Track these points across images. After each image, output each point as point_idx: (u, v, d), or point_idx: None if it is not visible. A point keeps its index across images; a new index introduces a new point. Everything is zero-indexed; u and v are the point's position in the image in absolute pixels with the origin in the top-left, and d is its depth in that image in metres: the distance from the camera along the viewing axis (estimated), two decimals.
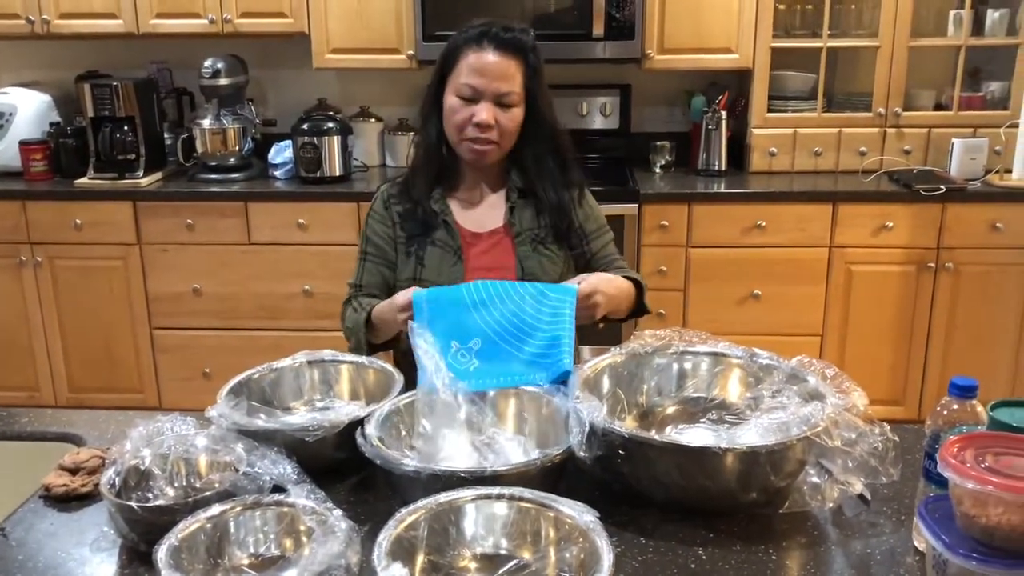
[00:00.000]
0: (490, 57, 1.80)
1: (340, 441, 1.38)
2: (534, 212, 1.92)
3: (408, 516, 1.16)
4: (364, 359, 1.66)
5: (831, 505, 1.32)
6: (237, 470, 1.28)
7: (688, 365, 1.58)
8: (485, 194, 1.96)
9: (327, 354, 1.67)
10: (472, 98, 1.80)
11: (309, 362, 1.65)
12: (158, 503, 1.26)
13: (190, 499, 1.23)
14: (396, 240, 1.94)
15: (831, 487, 1.32)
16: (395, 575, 1.04)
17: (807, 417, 1.30)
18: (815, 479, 1.33)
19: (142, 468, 1.31)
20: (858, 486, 1.31)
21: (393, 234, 1.94)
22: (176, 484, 1.32)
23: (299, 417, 1.55)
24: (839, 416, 1.30)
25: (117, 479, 1.28)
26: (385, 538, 1.11)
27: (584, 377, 1.48)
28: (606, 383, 1.54)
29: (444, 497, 1.20)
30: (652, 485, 1.33)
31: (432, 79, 1.89)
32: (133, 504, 1.22)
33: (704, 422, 1.49)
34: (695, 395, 1.56)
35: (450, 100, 1.84)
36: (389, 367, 1.62)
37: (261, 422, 1.42)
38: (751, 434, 1.34)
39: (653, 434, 1.43)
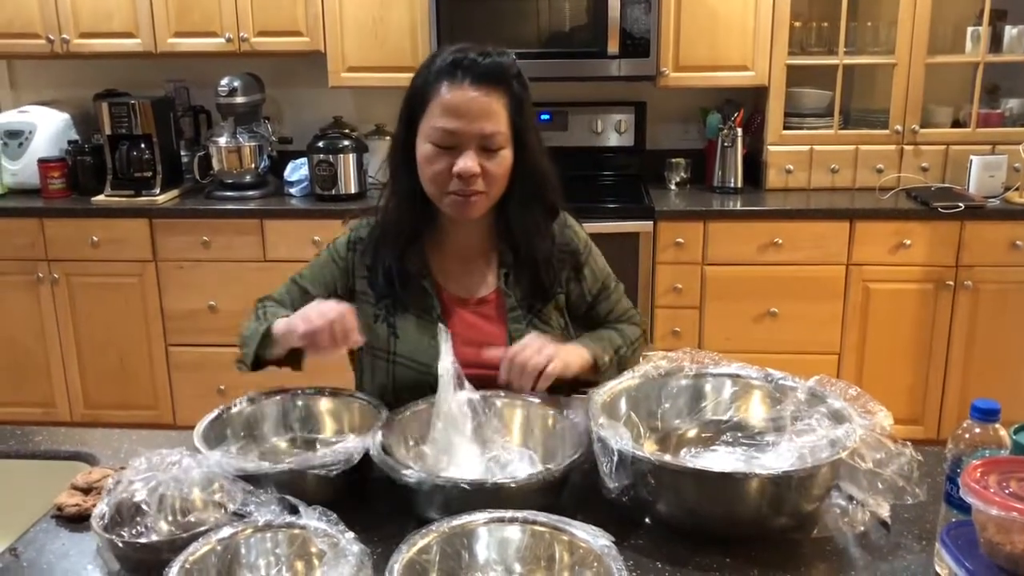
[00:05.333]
0: (468, 92, 1.50)
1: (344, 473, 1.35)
2: (531, 278, 1.65)
3: (420, 539, 1.15)
4: (346, 391, 1.60)
5: (861, 529, 1.29)
6: (226, 509, 1.26)
7: (705, 387, 1.55)
8: (472, 253, 1.68)
9: (308, 387, 1.60)
10: (450, 145, 1.52)
11: (291, 394, 1.59)
12: (140, 540, 1.22)
13: (176, 538, 1.20)
14: (345, 290, 1.68)
15: (860, 510, 1.29)
16: None
17: (839, 439, 1.27)
18: (839, 502, 1.31)
19: (134, 502, 1.27)
20: (885, 508, 1.28)
21: (344, 282, 1.68)
22: (170, 519, 1.28)
23: (313, 454, 1.48)
24: (868, 437, 1.28)
25: (107, 512, 1.25)
26: (397, 561, 1.10)
27: (601, 402, 1.44)
28: (623, 407, 1.50)
29: (457, 520, 1.18)
30: (682, 513, 1.29)
31: (398, 123, 1.61)
32: (115, 539, 1.20)
33: (723, 445, 1.46)
34: (713, 418, 1.52)
35: (424, 148, 1.54)
36: (370, 398, 1.56)
37: (268, 465, 1.36)
38: (784, 457, 1.30)
39: (687, 461, 1.39)
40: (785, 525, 1.28)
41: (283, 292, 1.74)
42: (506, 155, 1.55)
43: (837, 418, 1.35)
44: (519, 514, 1.19)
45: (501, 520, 1.19)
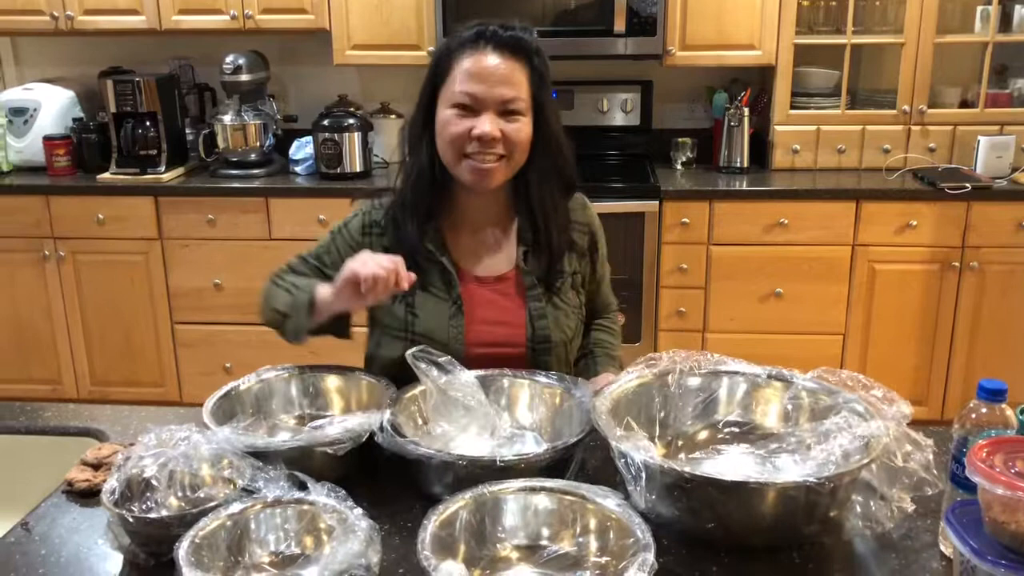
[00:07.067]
0: (490, 59, 1.54)
1: (352, 450, 1.35)
2: (549, 255, 1.66)
3: (442, 512, 1.17)
4: (354, 369, 1.60)
5: (890, 526, 1.23)
6: (235, 485, 1.27)
7: (712, 387, 1.49)
8: (491, 232, 1.69)
9: (316, 365, 1.61)
10: (471, 107, 1.55)
11: (299, 372, 1.59)
12: (151, 515, 1.23)
13: (186, 514, 1.20)
14: None
15: (887, 507, 1.23)
16: (451, 572, 1.04)
17: (870, 438, 1.23)
18: (857, 497, 1.25)
19: (144, 477, 1.28)
20: (908, 502, 1.24)
21: None
22: (179, 495, 1.28)
23: (322, 431, 1.44)
24: (896, 432, 1.24)
25: (117, 487, 1.25)
26: (425, 536, 1.11)
27: (606, 407, 1.38)
28: (628, 411, 1.42)
29: (480, 490, 1.21)
30: (716, 524, 1.20)
31: (421, 93, 1.63)
32: (125, 514, 1.21)
33: (731, 446, 1.42)
34: (719, 418, 1.47)
35: (444, 113, 1.57)
36: (379, 379, 1.56)
37: (277, 441, 1.38)
38: (816, 461, 1.24)
39: (717, 472, 1.30)
40: (816, 530, 1.23)
41: (296, 266, 1.72)
42: (526, 122, 1.57)
43: (860, 416, 1.30)
44: (546, 483, 1.22)
45: (526, 489, 1.22)
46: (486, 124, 1.53)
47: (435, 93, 1.60)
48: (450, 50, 1.58)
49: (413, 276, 1.49)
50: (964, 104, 3.56)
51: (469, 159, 1.56)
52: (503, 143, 1.56)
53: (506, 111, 1.55)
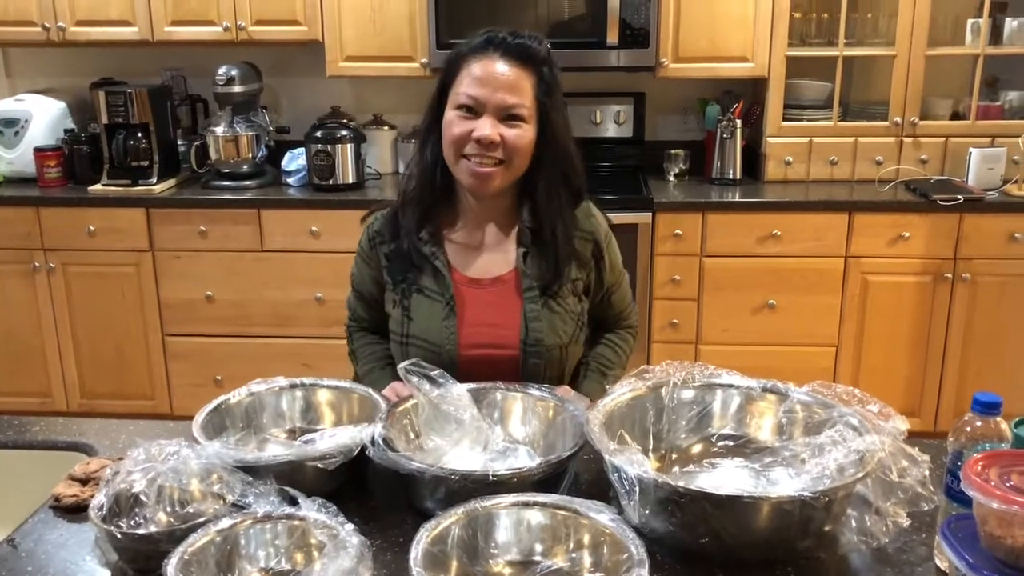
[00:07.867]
0: (496, 65, 1.58)
1: (343, 465, 1.34)
2: (550, 260, 1.67)
3: (434, 528, 1.15)
4: (345, 383, 1.59)
5: (885, 541, 1.22)
6: (225, 500, 1.25)
7: (705, 400, 1.47)
8: (490, 234, 1.71)
9: (307, 378, 1.60)
10: (473, 110, 1.58)
11: (291, 386, 1.58)
12: (139, 531, 1.21)
13: (175, 529, 1.19)
14: (383, 284, 1.75)
15: (882, 522, 1.22)
16: None
17: (865, 452, 1.21)
18: (854, 512, 1.24)
19: (133, 493, 1.26)
20: (903, 516, 1.23)
21: (379, 277, 1.75)
22: (168, 510, 1.26)
23: (313, 445, 1.43)
24: (892, 446, 1.23)
25: (105, 502, 1.23)
26: (416, 553, 1.10)
27: (599, 421, 1.35)
28: (621, 424, 1.41)
29: (476, 503, 1.19)
30: (710, 539, 1.18)
31: (432, 95, 1.67)
32: (113, 530, 1.19)
33: (725, 460, 1.41)
34: (713, 431, 1.46)
35: (448, 114, 1.61)
36: (371, 392, 1.55)
37: (267, 456, 1.36)
38: (807, 476, 1.23)
39: (711, 486, 1.27)
40: (810, 544, 1.22)
41: (355, 306, 1.86)
42: (527, 129, 1.60)
43: (855, 430, 1.29)
44: (539, 498, 1.21)
45: (519, 504, 1.21)
46: (486, 127, 1.56)
47: (444, 95, 1.64)
48: (460, 54, 1.62)
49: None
50: (956, 116, 3.57)
51: (468, 161, 1.60)
52: (502, 148, 1.58)
53: (508, 116, 1.58)
